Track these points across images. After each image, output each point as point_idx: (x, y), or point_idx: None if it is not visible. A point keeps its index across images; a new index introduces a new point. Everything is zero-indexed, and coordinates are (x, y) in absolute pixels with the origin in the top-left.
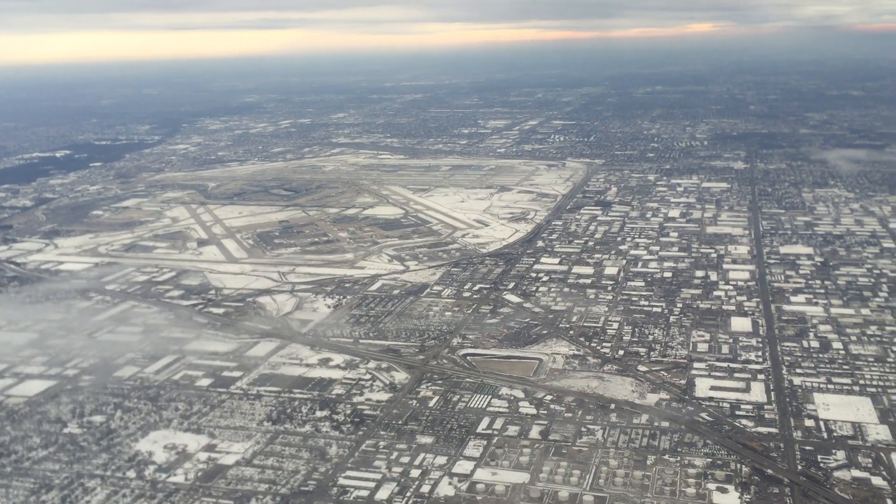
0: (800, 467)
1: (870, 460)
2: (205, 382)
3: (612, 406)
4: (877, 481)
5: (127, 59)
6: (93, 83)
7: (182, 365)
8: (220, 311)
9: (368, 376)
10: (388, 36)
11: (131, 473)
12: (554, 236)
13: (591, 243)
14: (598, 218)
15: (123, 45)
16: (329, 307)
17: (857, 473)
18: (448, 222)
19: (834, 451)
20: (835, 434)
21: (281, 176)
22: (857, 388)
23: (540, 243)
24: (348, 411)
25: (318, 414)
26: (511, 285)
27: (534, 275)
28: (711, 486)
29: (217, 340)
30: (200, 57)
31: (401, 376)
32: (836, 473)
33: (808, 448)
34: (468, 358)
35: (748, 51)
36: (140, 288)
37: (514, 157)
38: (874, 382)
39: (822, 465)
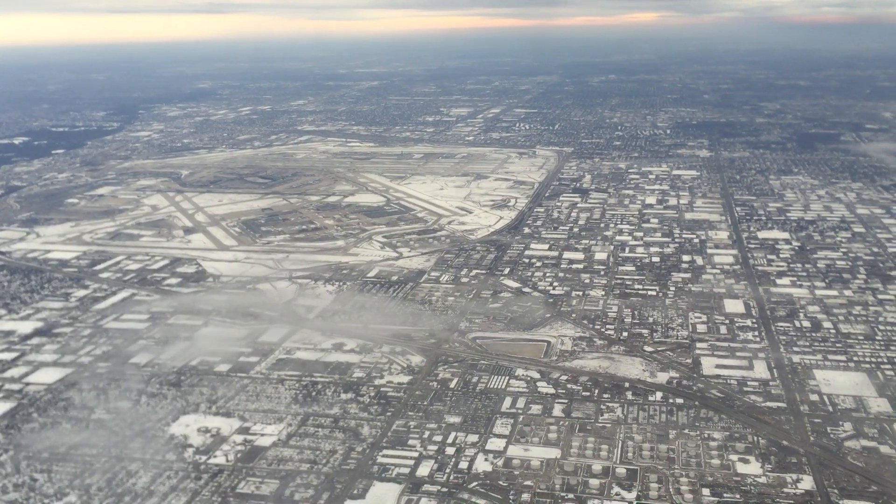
0: (812, 438)
1: (875, 430)
2: (224, 368)
3: (627, 384)
4: (885, 450)
5: (66, 42)
6: (34, 67)
7: (197, 351)
8: (223, 298)
9: (385, 360)
10: (333, 22)
11: (171, 456)
12: (539, 223)
13: (576, 229)
14: (579, 205)
15: (61, 29)
16: (331, 293)
17: (865, 443)
18: (431, 209)
19: (841, 423)
20: (839, 407)
21: (253, 164)
22: (852, 365)
23: (526, 230)
24: (372, 393)
25: (344, 396)
26: (507, 271)
27: (526, 260)
28: (734, 457)
29: (226, 326)
30: (144, 41)
31: (416, 359)
32: (847, 443)
33: (816, 420)
34: (478, 341)
35: (693, 40)
36: (135, 276)
37: (483, 145)
38: (867, 358)
39: (832, 435)
